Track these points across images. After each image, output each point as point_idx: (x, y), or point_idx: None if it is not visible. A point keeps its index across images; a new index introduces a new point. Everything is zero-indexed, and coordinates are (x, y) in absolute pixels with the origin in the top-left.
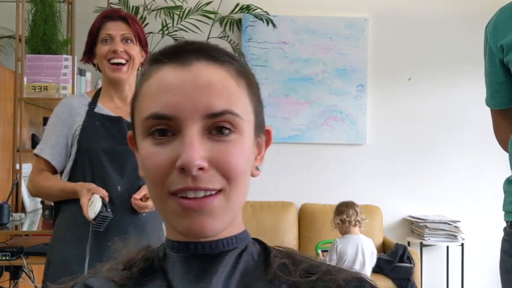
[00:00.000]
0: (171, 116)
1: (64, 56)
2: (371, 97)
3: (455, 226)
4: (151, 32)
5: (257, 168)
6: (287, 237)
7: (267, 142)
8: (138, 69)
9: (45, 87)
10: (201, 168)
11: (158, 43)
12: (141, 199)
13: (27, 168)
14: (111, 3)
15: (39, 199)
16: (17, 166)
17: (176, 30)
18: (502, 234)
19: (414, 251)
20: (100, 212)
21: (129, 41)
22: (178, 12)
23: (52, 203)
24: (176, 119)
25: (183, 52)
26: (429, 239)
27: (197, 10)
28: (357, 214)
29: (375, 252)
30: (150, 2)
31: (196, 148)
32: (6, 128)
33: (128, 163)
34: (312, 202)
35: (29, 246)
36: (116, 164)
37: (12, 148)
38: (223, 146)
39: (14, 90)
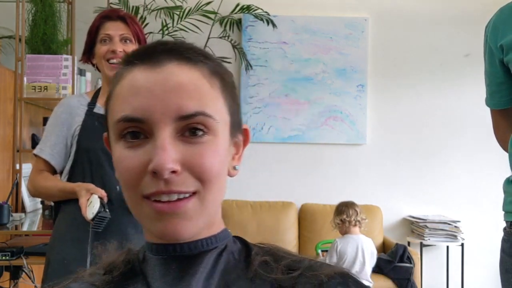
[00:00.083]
0: (142, 119)
1: (64, 56)
2: (371, 97)
3: (455, 226)
4: (151, 32)
5: (234, 168)
6: (287, 237)
7: (245, 141)
8: None
9: (45, 87)
10: (174, 171)
11: None
12: None
13: (27, 168)
14: (111, 3)
15: (39, 199)
16: (17, 166)
17: (176, 30)
18: (502, 234)
19: (414, 251)
20: (98, 212)
21: (128, 41)
22: (178, 12)
23: (52, 203)
24: (147, 122)
25: (155, 53)
26: (429, 239)
27: (197, 10)
28: (357, 214)
29: (375, 252)
30: (150, 2)
31: (168, 152)
32: (6, 128)
33: None
34: (312, 202)
35: (29, 246)
36: None
37: (12, 148)
38: (196, 148)
39: (14, 90)
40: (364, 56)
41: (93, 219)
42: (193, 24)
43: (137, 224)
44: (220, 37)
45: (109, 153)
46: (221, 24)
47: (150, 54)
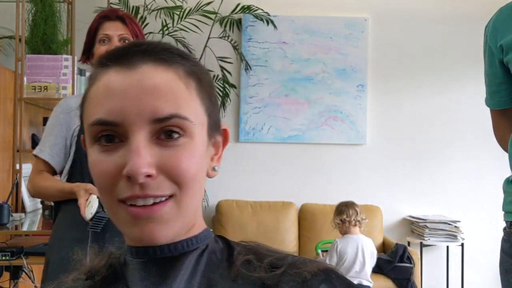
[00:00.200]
0: (116, 122)
1: (64, 56)
2: (371, 97)
3: (455, 226)
4: (151, 32)
5: (214, 169)
6: (287, 237)
7: (224, 142)
8: None
9: (45, 87)
10: (149, 176)
11: None
12: None
13: (27, 168)
14: (111, 3)
15: (39, 199)
16: (17, 166)
17: (176, 30)
18: (502, 234)
19: (414, 251)
20: (97, 212)
21: (126, 41)
22: (178, 12)
23: (52, 203)
24: (121, 125)
25: (129, 54)
26: (429, 239)
27: (197, 10)
28: (357, 214)
29: (375, 252)
30: (150, 2)
31: (143, 156)
32: (6, 128)
33: None
34: (312, 202)
35: (29, 246)
36: None
37: (12, 148)
38: (172, 151)
39: (14, 90)
40: (364, 56)
41: (91, 219)
42: (193, 24)
43: None
44: (220, 37)
45: None
46: (221, 24)
47: (125, 55)
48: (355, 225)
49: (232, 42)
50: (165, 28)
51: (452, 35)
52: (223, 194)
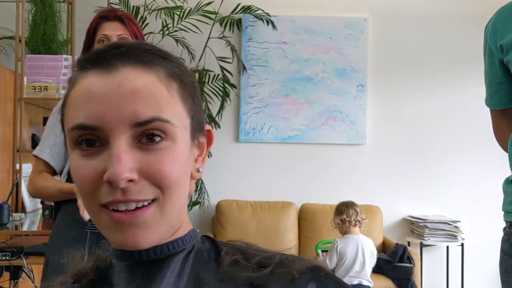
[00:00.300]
0: (96, 127)
1: (64, 56)
2: (371, 97)
3: (455, 226)
4: (151, 32)
5: (198, 170)
6: (287, 237)
7: (209, 143)
8: None
9: (45, 87)
10: (131, 180)
11: (158, 43)
12: None
13: (27, 168)
14: (112, 3)
15: (39, 199)
16: (17, 166)
17: (176, 30)
18: (502, 234)
19: (414, 251)
20: None
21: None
22: (178, 12)
23: (52, 203)
24: (102, 129)
25: (108, 57)
26: (429, 239)
27: (198, 10)
28: (357, 214)
29: (375, 252)
30: (150, 2)
31: (124, 161)
32: (6, 128)
33: None
34: (312, 202)
35: (29, 246)
36: None
37: (12, 148)
38: (153, 155)
39: (14, 90)
40: (364, 56)
41: (90, 219)
42: (193, 24)
43: None
44: (220, 37)
45: None
46: (221, 24)
47: (104, 58)
48: (355, 225)
49: (231, 43)
50: (165, 28)
51: (452, 35)
52: (223, 194)
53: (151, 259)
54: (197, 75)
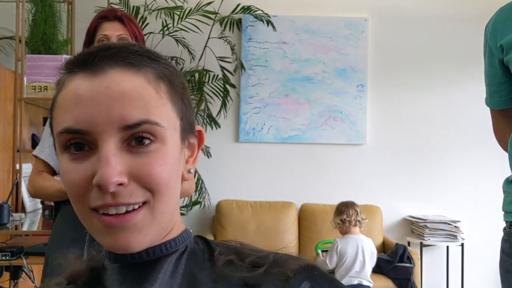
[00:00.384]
0: (85, 130)
1: (64, 56)
2: (371, 97)
3: (455, 226)
4: (151, 32)
5: (189, 171)
6: (287, 237)
7: (199, 143)
8: None
9: (45, 87)
10: (120, 184)
11: (158, 43)
12: None
13: (27, 168)
14: (112, 3)
15: (39, 199)
16: (17, 166)
17: (176, 30)
18: (502, 234)
19: (414, 251)
20: None
21: (125, 41)
22: (178, 12)
23: (52, 203)
24: (90, 133)
25: (96, 60)
26: (429, 239)
27: (198, 10)
28: (357, 214)
29: (375, 252)
30: (151, 2)
31: (112, 164)
32: (6, 128)
33: None
34: (312, 202)
35: (29, 246)
36: None
37: (12, 148)
38: (143, 158)
39: (14, 90)
40: (364, 56)
41: None
42: (193, 24)
43: None
44: (220, 37)
45: None
46: (221, 24)
47: (92, 61)
48: (355, 225)
49: (231, 43)
50: (165, 28)
51: (452, 35)
52: (223, 194)
53: (143, 260)
54: (197, 75)
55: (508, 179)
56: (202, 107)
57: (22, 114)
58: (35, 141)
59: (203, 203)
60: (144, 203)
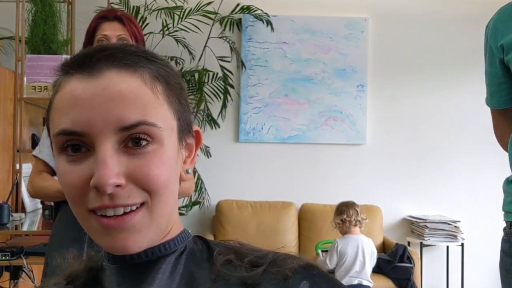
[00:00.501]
0: (81, 132)
1: (64, 56)
2: (371, 97)
3: (455, 226)
4: (151, 32)
5: (187, 172)
6: (287, 237)
7: (197, 143)
8: None
9: (45, 87)
10: (118, 185)
11: (158, 43)
12: None
13: (27, 168)
14: (112, 3)
15: (39, 199)
16: (17, 166)
17: (176, 30)
18: (502, 234)
19: (414, 251)
20: None
21: (125, 41)
22: (178, 12)
23: (52, 203)
24: (87, 135)
25: (92, 61)
26: (429, 239)
27: (198, 10)
28: (358, 214)
29: (375, 252)
30: (151, 2)
31: (110, 166)
32: (6, 128)
33: None
34: (312, 202)
35: (29, 246)
36: None
37: (12, 148)
38: (140, 159)
39: (14, 90)
40: (364, 56)
41: None
42: (193, 24)
43: None
44: (220, 37)
45: None
46: (221, 24)
47: (88, 62)
48: (355, 225)
49: (230, 42)
50: (166, 28)
51: (452, 35)
52: (223, 194)
53: (142, 261)
54: (196, 75)
55: (508, 179)
56: (202, 107)
57: (22, 114)
58: (35, 141)
59: (202, 203)
60: (142, 204)
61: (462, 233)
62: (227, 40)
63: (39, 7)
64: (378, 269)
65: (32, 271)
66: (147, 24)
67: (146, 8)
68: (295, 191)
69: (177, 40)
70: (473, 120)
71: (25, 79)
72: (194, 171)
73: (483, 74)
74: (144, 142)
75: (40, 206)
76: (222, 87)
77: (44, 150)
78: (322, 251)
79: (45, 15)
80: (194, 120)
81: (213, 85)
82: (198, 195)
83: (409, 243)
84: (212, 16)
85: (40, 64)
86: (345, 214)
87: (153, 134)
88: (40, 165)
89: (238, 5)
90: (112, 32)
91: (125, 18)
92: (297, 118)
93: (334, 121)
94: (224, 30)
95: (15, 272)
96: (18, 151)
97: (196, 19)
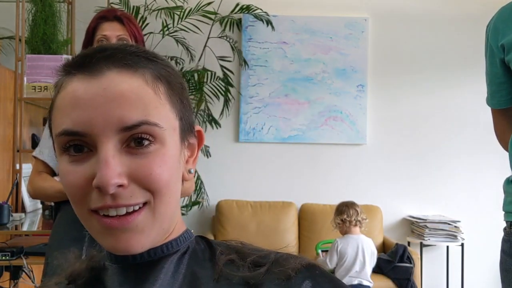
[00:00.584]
0: (83, 132)
1: (64, 56)
2: (371, 97)
3: (455, 226)
4: (151, 32)
5: (189, 171)
6: (287, 237)
7: (199, 143)
8: None
9: (45, 87)
10: (120, 185)
11: (158, 43)
12: None
13: (27, 168)
14: (112, 3)
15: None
16: (17, 166)
17: (176, 30)
18: (502, 234)
19: (414, 251)
20: None
21: (125, 42)
22: (178, 12)
23: (53, 203)
24: (89, 135)
25: (93, 61)
26: (429, 239)
27: (198, 10)
28: (358, 214)
29: (375, 252)
30: (151, 2)
31: (112, 166)
32: (6, 128)
33: None
34: (312, 202)
35: (29, 246)
36: None
37: (12, 148)
38: (142, 159)
39: (14, 90)
40: (364, 56)
41: None
42: (193, 24)
43: None
44: (220, 37)
45: None
46: (221, 24)
47: (89, 62)
48: (355, 225)
49: (231, 40)
50: (166, 28)
51: (452, 35)
52: (223, 194)
53: (144, 261)
54: (196, 75)
55: (509, 179)
56: (202, 107)
57: (22, 114)
58: (35, 141)
59: (201, 204)
60: (145, 204)
61: (462, 233)
62: (228, 39)
63: (39, 7)
64: (378, 269)
65: (32, 271)
66: (147, 24)
67: (146, 8)
68: (295, 191)
69: (177, 40)
70: (473, 120)
71: (25, 79)
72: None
73: (483, 74)
74: (146, 142)
75: (40, 206)
76: (222, 86)
77: (44, 151)
78: (322, 251)
79: (45, 15)
80: (195, 120)
81: (213, 84)
82: (197, 195)
83: (409, 243)
84: (212, 16)
85: (40, 64)
86: (345, 214)
87: (155, 134)
88: (40, 166)
89: (237, 4)
90: (112, 32)
91: (125, 18)
92: (297, 118)
93: (334, 121)
94: (224, 30)
95: (15, 272)
96: (18, 151)
97: (196, 19)
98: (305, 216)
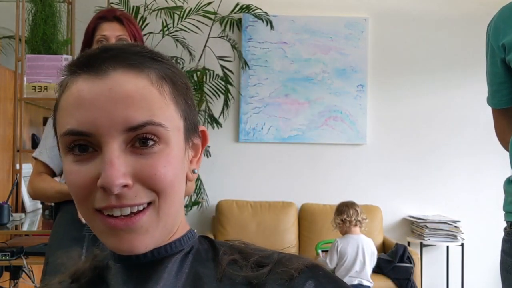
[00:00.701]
0: (88, 132)
1: (64, 56)
2: (371, 97)
3: (455, 226)
4: (151, 32)
5: (193, 171)
6: (287, 237)
7: (203, 143)
8: None
9: (45, 87)
10: (125, 186)
11: (158, 43)
12: None
13: (27, 168)
14: (112, 3)
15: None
16: (17, 166)
17: (176, 30)
18: (502, 234)
19: (414, 251)
20: None
21: (124, 42)
22: (178, 12)
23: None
24: (94, 135)
25: (98, 61)
26: (429, 239)
27: (198, 10)
28: (358, 214)
29: (376, 252)
30: (150, 2)
31: (116, 166)
32: (6, 128)
33: None
34: (312, 202)
35: (29, 246)
36: None
37: (12, 148)
38: (147, 159)
39: (14, 90)
40: (364, 56)
41: None
42: (193, 24)
43: None
44: (220, 37)
45: None
46: (221, 24)
47: (94, 62)
48: (355, 225)
49: (231, 41)
50: (165, 28)
51: (452, 35)
52: (223, 194)
53: (148, 260)
54: (195, 75)
55: (509, 179)
56: (203, 107)
57: (22, 114)
58: (35, 141)
59: (201, 204)
60: (149, 204)
61: (462, 233)
62: (229, 39)
63: (39, 7)
64: (378, 269)
65: (32, 271)
66: (147, 24)
67: (146, 8)
68: (295, 191)
69: (177, 40)
70: (473, 120)
71: (25, 79)
72: None
73: (483, 74)
74: (151, 142)
75: (40, 206)
76: (222, 86)
77: (44, 152)
78: (322, 251)
79: (45, 15)
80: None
81: (213, 84)
82: (197, 195)
83: (409, 243)
84: (212, 16)
85: (40, 64)
86: (345, 214)
87: (160, 134)
88: (40, 167)
89: (237, 4)
90: (112, 32)
91: (125, 18)
92: (297, 118)
93: (334, 121)
94: (224, 30)
95: (15, 272)
96: (18, 151)
97: (196, 19)
98: (305, 216)
